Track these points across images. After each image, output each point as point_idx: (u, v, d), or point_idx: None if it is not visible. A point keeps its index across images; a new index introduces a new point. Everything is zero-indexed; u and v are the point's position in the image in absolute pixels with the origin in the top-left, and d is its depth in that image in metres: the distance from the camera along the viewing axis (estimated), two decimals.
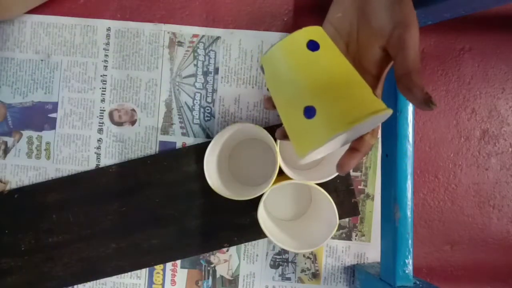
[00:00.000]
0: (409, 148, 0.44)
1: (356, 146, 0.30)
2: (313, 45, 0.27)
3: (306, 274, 0.54)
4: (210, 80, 0.55)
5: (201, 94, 0.55)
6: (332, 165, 0.48)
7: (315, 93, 0.26)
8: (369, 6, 0.29)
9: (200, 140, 0.54)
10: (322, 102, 0.25)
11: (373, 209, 0.54)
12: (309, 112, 0.25)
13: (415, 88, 0.26)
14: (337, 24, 0.31)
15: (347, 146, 0.31)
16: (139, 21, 0.55)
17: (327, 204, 0.46)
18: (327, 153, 0.33)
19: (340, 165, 0.30)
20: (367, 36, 0.30)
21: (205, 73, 0.55)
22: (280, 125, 0.51)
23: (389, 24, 0.28)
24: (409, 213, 0.44)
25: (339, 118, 0.25)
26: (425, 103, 0.25)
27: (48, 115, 0.55)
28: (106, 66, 0.55)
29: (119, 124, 0.55)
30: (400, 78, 0.27)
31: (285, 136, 0.32)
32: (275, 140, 0.46)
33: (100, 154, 0.54)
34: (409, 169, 0.44)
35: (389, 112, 0.26)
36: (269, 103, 0.32)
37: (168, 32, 0.54)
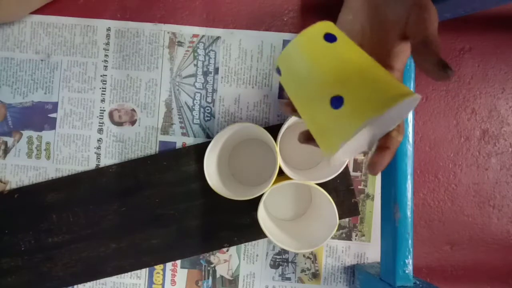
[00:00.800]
0: (409, 148, 0.44)
1: (385, 144, 0.29)
2: (330, 37, 0.26)
3: (306, 274, 0.54)
4: (210, 80, 0.55)
5: (201, 94, 0.55)
6: (332, 165, 0.48)
7: (341, 81, 0.25)
8: None
9: (200, 140, 0.54)
10: (350, 90, 0.24)
11: (373, 209, 0.54)
12: (337, 102, 0.24)
13: (432, 56, 0.25)
14: (349, 27, 0.31)
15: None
16: (139, 21, 0.55)
17: (327, 204, 0.46)
18: (354, 155, 0.31)
19: (372, 164, 0.29)
20: (382, 31, 0.30)
21: (205, 73, 0.55)
22: (281, 125, 0.51)
23: (405, 9, 0.27)
24: (409, 213, 0.44)
25: (370, 103, 0.23)
26: (442, 68, 0.24)
27: (48, 115, 0.55)
28: (106, 66, 0.55)
29: (119, 124, 0.55)
30: (416, 47, 0.26)
31: (308, 139, 0.31)
32: (275, 140, 0.46)
33: (100, 154, 0.54)
34: (409, 169, 0.44)
35: (418, 97, 0.25)
36: (289, 106, 0.30)
37: (168, 32, 0.54)
